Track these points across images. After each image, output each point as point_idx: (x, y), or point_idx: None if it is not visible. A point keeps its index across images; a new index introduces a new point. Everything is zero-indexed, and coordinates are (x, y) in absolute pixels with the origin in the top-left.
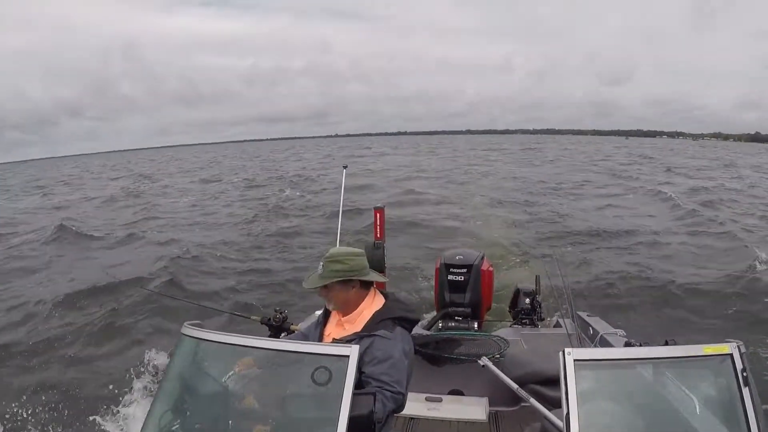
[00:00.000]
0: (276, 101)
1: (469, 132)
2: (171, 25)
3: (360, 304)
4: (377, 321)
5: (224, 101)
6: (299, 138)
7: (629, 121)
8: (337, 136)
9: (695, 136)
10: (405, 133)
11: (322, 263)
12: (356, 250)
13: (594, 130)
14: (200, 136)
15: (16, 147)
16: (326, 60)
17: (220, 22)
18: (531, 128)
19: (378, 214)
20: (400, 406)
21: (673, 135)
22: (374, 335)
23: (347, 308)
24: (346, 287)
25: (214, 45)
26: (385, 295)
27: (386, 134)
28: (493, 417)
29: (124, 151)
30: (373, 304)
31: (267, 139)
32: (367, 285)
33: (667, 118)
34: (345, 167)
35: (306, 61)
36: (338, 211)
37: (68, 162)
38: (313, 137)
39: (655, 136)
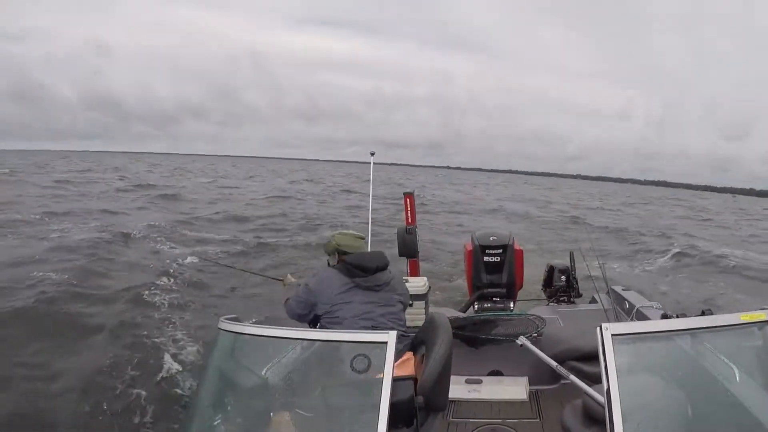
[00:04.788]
0: (394, 127)
1: (580, 177)
2: (297, 41)
3: None
4: None
5: (343, 120)
6: (413, 166)
7: (744, 179)
8: (449, 167)
9: None
10: (516, 172)
11: None
12: (340, 233)
13: (706, 185)
14: (318, 153)
15: (140, 139)
16: (447, 91)
17: (344, 42)
18: (643, 179)
19: (408, 200)
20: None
21: None
22: None
23: None
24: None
25: (337, 64)
26: None
27: (497, 171)
28: (534, 395)
29: (241, 157)
30: None
31: (383, 163)
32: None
33: None
34: (372, 154)
35: (427, 90)
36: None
37: (197, 160)
38: (426, 166)
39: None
